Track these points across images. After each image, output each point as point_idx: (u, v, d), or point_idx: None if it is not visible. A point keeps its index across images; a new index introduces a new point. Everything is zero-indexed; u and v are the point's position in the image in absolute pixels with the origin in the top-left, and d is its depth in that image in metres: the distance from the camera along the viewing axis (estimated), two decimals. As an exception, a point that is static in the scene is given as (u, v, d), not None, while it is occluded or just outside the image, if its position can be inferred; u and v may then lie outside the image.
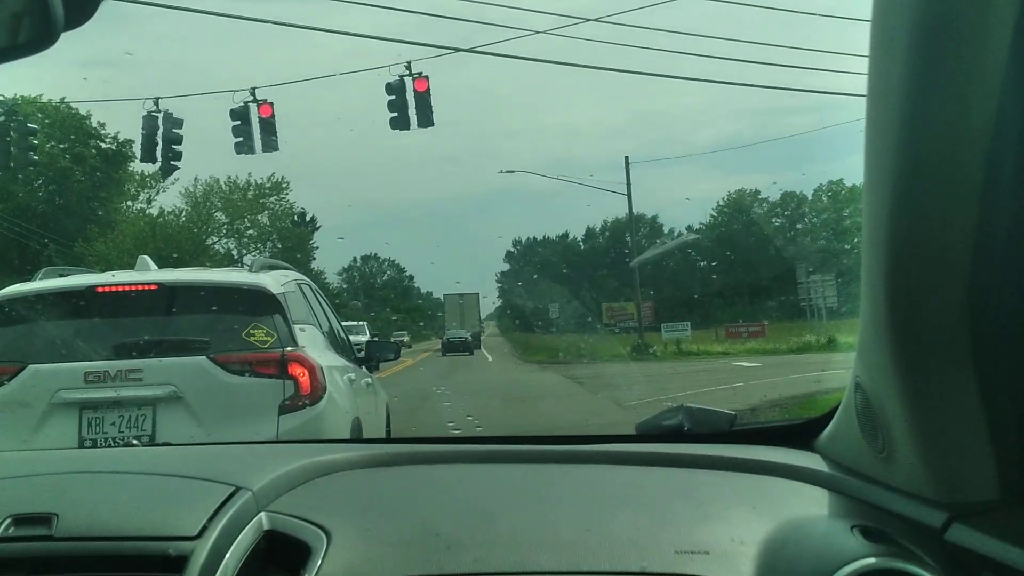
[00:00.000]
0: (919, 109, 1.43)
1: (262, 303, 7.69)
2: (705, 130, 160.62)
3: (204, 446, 4.32)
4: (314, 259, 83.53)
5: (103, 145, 66.56)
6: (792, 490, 2.21)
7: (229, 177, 72.34)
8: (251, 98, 27.84)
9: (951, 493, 1.71)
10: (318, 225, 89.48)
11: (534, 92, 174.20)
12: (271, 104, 27.96)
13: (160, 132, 28.61)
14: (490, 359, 57.89)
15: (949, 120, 1.41)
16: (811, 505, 2.12)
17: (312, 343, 7.95)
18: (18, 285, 8.24)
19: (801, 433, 2.48)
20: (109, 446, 6.96)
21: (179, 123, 28.92)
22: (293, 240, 77.65)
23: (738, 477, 2.31)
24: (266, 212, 75.39)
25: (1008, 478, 1.65)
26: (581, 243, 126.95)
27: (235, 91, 28.25)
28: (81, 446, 7.05)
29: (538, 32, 27.53)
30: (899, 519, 1.86)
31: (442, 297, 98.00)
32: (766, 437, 2.61)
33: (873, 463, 1.97)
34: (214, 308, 7.78)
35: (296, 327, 7.74)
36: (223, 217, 73.51)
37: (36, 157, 35.00)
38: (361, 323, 48.68)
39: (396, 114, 26.38)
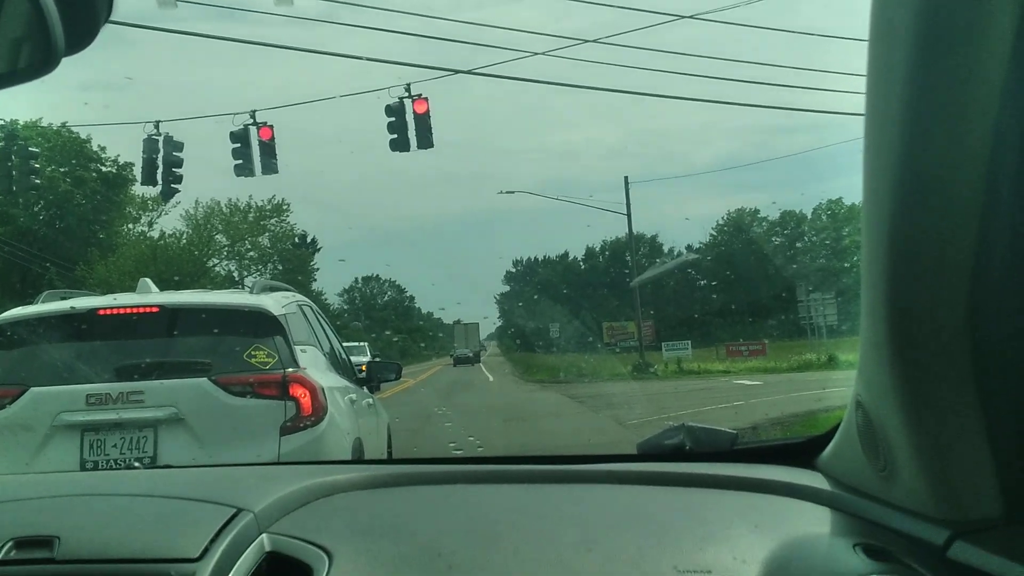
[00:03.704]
0: (917, 128, 1.43)
1: (263, 325, 7.70)
2: (704, 149, 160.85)
3: (205, 468, 4.31)
4: (315, 280, 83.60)
5: (104, 168, 66.71)
6: (794, 509, 2.21)
7: (230, 200, 72.35)
8: (251, 121, 27.90)
9: (953, 510, 1.71)
10: (319, 247, 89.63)
11: (533, 112, 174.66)
12: (271, 127, 28.02)
13: (161, 155, 28.71)
14: (491, 379, 57.82)
15: (948, 139, 1.42)
16: (813, 524, 2.12)
17: (313, 364, 7.96)
18: (19, 308, 8.25)
19: (802, 451, 2.48)
20: (111, 468, 6.96)
21: (179, 146, 29.00)
22: (294, 262, 77.64)
23: (740, 496, 2.31)
24: (267, 234, 75.37)
25: (1010, 495, 1.65)
26: (581, 263, 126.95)
27: (235, 114, 28.29)
28: (83, 468, 7.05)
29: (537, 53, 27.52)
30: (901, 537, 1.86)
31: (448, 322, 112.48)
32: (767, 456, 2.60)
33: (875, 481, 1.97)
34: (215, 330, 7.79)
35: (297, 348, 7.75)
36: (224, 239, 73.50)
37: (37, 181, 35.04)
38: (362, 344, 48.65)
39: (396, 136, 26.42)
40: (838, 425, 2.25)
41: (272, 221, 74.68)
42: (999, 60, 1.35)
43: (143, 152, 28.92)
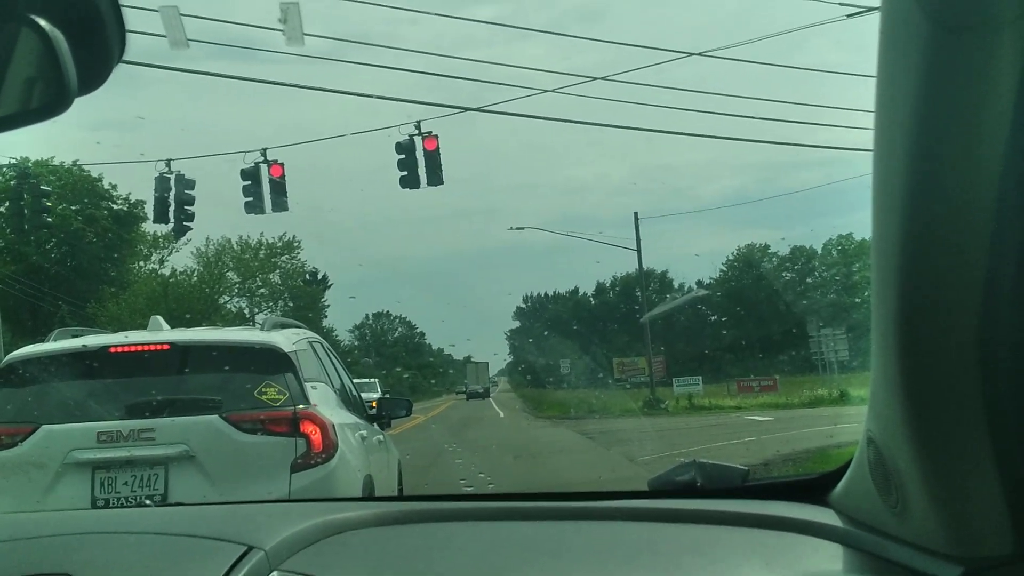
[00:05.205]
0: (925, 163, 1.43)
1: (274, 362, 7.71)
2: (713, 185, 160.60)
3: (216, 505, 4.31)
4: (325, 317, 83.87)
5: (115, 206, 67.07)
6: (806, 545, 2.19)
7: (241, 237, 72.64)
8: (262, 159, 28.04)
9: (966, 547, 1.70)
10: (329, 283, 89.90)
11: (542, 149, 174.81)
12: (281, 164, 28.16)
13: (172, 193, 28.85)
14: (502, 415, 57.69)
15: (956, 175, 1.42)
16: (825, 561, 2.11)
17: (324, 401, 7.96)
18: (31, 346, 8.29)
19: (814, 488, 2.46)
20: (121, 506, 6.96)
21: (191, 184, 29.16)
22: (305, 299, 77.82)
23: (751, 533, 2.30)
24: (277, 271, 75.62)
25: (1023, 531, 1.64)
26: (591, 299, 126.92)
27: (246, 152, 28.44)
28: (94, 506, 7.05)
29: (545, 91, 27.65)
30: (914, 574, 1.85)
31: (458, 358, 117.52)
32: (779, 492, 2.59)
33: (887, 518, 1.96)
34: (226, 367, 7.79)
35: (308, 385, 7.75)
36: (235, 277, 73.71)
37: (49, 219, 35.19)
38: (373, 380, 48.66)
39: (406, 173, 26.53)
40: (850, 461, 2.24)
41: (283, 258, 74.99)
42: (1007, 96, 1.35)
43: (155, 190, 29.09)
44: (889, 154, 1.50)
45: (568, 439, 31.71)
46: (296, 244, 74.08)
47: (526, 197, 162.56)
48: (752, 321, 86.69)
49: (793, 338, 64.97)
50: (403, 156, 26.46)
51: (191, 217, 29.54)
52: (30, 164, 49.97)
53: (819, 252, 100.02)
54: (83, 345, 7.95)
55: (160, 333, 8.43)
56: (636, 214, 54.19)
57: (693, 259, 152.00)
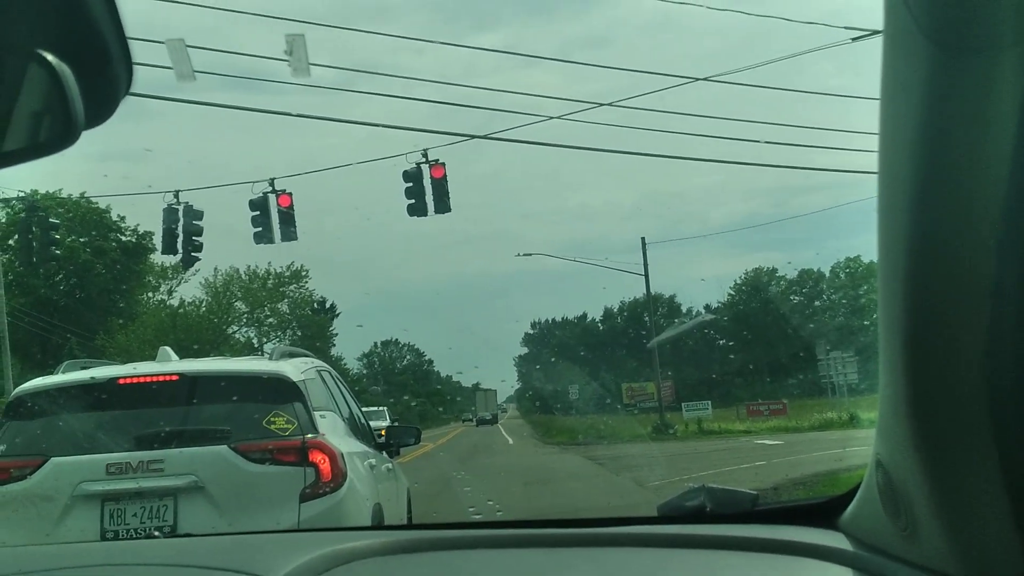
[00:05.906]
0: (929, 185, 1.44)
1: (282, 391, 7.71)
2: (720, 209, 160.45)
3: (226, 536, 4.30)
4: (334, 345, 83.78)
5: (123, 238, 67.19)
6: (817, 570, 2.19)
7: (249, 267, 72.76)
8: (270, 188, 28.04)
9: (975, 569, 1.69)
10: (337, 312, 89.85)
11: (549, 175, 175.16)
12: (290, 194, 28.13)
13: (180, 224, 28.85)
14: (511, 442, 57.57)
15: (959, 196, 1.42)
16: None
17: (332, 430, 7.95)
18: (40, 379, 8.31)
19: (824, 512, 2.46)
20: (131, 538, 6.95)
21: (199, 215, 29.17)
22: (313, 328, 77.81)
23: (762, 558, 2.29)
24: (286, 300, 75.70)
25: (1033, 552, 1.64)
26: (599, 324, 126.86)
27: (254, 182, 28.45)
28: (103, 538, 7.05)
29: (552, 117, 27.70)
30: None
31: (466, 385, 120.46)
32: (789, 516, 2.58)
33: (897, 541, 1.96)
34: (235, 397, 7.80)
35: (316, 414, 7.75)
36: (243, 306, 73.78)
37: (58, 252, 35.26)
38: (381, 409, 48.64)
39: (414, 201, 26.54)
40: (859, 484, 2.24)
41: (291, 287, 75.08)
42: (1009, 117, 1.36)
43: (163, 222, 29.11)
44: (893, 176, 1.51)
45: (577, 465, 31.65)
46: (304, 273, 74.28)
47: (534, 223, 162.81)
48: (760, 345, 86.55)
49: (801, 361, 64.86)
50: (411, 184, 26.47)
51: (199, 248, 29.56)
52: (38, 197, 50.15)
53: (827, 275, 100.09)
54: (92, 377, 7.96)
55: (169, 364, 8.44)
56: (643, 239, 54.19)
57: (701, 283, 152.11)
